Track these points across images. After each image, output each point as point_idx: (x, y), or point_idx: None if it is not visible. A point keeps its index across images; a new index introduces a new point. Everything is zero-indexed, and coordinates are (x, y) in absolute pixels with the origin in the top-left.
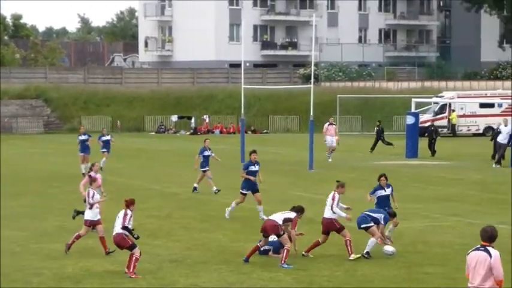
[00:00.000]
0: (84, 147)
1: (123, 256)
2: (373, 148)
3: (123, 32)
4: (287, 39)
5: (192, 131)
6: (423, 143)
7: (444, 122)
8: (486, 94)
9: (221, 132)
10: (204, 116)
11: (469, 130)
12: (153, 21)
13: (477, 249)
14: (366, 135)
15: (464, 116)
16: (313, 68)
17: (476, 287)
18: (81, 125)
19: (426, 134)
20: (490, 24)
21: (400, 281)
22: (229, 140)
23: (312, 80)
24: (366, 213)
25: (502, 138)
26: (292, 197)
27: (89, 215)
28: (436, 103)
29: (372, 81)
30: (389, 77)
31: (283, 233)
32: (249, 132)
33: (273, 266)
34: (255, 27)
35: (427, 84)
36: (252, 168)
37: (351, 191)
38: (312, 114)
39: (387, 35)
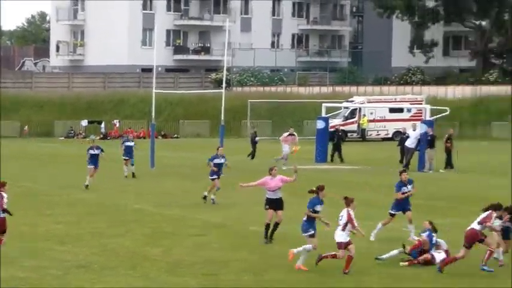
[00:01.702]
0: (95, 160)
1: None
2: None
3: (34, 36)
4: (200, 44)
5: (102, 135)
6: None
7: (354, 127)
8: (396, 99)
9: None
10: (114, 121)
11: (378, 135)
12: (65, 25)
13: None
14: (277, 140)
15: (374, 120)
16: (225, 72)
17: None
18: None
19: (335, 139)
20: (401, 30)
21: (309, 284)
22: (140, 145)
23: (224, 85)
24: None
25: (410, 143)
26: (200, 202)
27: None
28: (347, 108)
29: (283, 86)
30: (301, 82)
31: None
32: (160, 137)
33: (182, 270)
34: (168, 31)
35: (338, 89)
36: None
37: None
38: (222, 119)
39: (300, 40)
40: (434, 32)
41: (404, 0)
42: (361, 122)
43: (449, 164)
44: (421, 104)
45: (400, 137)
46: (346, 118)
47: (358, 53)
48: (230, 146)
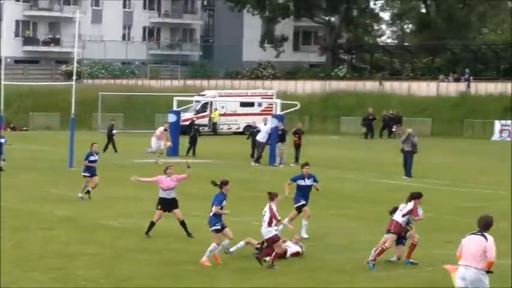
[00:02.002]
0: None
1: None
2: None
3: None
4: (50, 36)
5: None
6: (185, 141)
7: (206, 121)
8: (247, 93)
9: None
10: None
11: (229, 129)
12: None
13: (474, 233)
14: (128, 133)
15: (225, 114)
16: (75, 65)
17: (469, 265)
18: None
19: (191, 133)
20: (252, 24)
21: (160, 277)
22: None
23: (74, 77)
24: None
25: (261, 137)
26: (50, 195)
27: None
28: (198, 102)
29: (135, 79)
30: (153, 75)
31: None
32: (9, 130)
33: (31, 264)
34: (17, 22)
35: (190, 82)
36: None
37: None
38: (73, 111)
39: (151, 33)
40: (285, 27)
41: None
42: (212, 116)
43: (297, 158)
44: (272, 98)
45: (250, 131)
46: (198, 112)
47: (210, 46)
48: (81, 139)
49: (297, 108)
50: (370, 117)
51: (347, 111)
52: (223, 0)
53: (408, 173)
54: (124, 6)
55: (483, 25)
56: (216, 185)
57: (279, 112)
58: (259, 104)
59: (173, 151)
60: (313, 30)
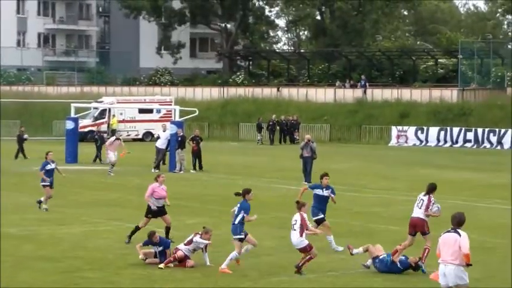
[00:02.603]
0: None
1: None
2: (17, 156)
3: None
4: None
5: None
6: (83, 148)
7: (104, 127)
8: (145, 100)
9: None
10: None
11: (128, 135)
12: None
13: (448, 231)
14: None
15: (124, 121)
16: None
17: (447, 261)
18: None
19: (98, 141)
20: (148, 30)
21: (61, 285)
22: None
23: None
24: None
25: (160, 144)
26: None
27: None
28: (96, 108)
29: (31, 86)
30: (49, 82)
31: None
32: None
33: None
34: None
35: (87, 89)
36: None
37: None
38: None
39: (46, 40)
40: (181, 34)
41: (150, 1)
42: (111, 122)
43: (198, 165)
44: (170, 105)
45: (152, 137)
46: (96, 119)
47: (106, 53)
48: None
49: (195, 114)
50: (271, 122)
51: (246, 118)
52: (119, 6)
53: (308, 179)
54: (18, 12)
55: (377, 32)
56: (239, 194)
57: (177, 119)
58: (158, 111)
59: (72, 158)
60: (209, 37)
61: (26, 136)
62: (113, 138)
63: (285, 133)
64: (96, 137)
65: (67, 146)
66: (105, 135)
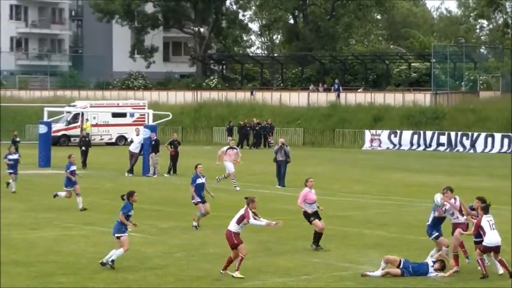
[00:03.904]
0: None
1: None
2: None
3: None
4: None
5: None
6: (56, 152)
7: (77, 131)
8: (118, 104)
9: None
10: None
11: (102, 139)
12: None
13: None
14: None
15: (97, 125)
16: None
17: None
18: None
19: (81, 145)
20: (121, 34)
21: None
22: None
23: None
24: None
25: (134, 148)
26: None
27: None
28: (69, 112)
29: (3, 90)
30: (22, 86)
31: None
32: None
33: None
34: None
35: (60, 93)
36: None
37: None
38: None
39: (19, 43)
40: (155, 38)
41: (123, 5)
42: (84, 126)
43: (172, 169)
44: (144, 109)
45: (125, 141)
46: (69, 123)
47: (79, 57)
48: None
49: (169, 118)
50: (248, 126)
51: (219, 122)
52: (92, 10)
53: (282, 183)
54: None
55: (350, 36)
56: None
57: (151, 123)
58: (132, 115)
59: (45, 162)
60: (183, 40)
61: (17, 139)
62: (226, 147)
63: (257, 137)
64: (82, 142)
65: (40, 150)
66: (77, 139)
